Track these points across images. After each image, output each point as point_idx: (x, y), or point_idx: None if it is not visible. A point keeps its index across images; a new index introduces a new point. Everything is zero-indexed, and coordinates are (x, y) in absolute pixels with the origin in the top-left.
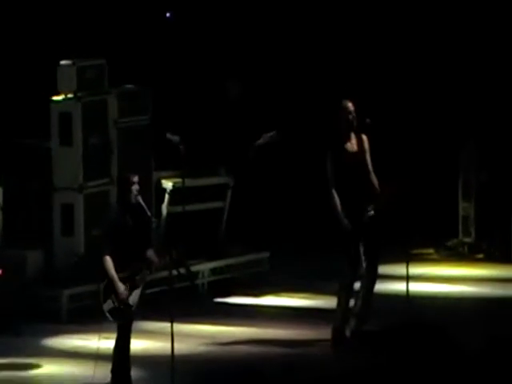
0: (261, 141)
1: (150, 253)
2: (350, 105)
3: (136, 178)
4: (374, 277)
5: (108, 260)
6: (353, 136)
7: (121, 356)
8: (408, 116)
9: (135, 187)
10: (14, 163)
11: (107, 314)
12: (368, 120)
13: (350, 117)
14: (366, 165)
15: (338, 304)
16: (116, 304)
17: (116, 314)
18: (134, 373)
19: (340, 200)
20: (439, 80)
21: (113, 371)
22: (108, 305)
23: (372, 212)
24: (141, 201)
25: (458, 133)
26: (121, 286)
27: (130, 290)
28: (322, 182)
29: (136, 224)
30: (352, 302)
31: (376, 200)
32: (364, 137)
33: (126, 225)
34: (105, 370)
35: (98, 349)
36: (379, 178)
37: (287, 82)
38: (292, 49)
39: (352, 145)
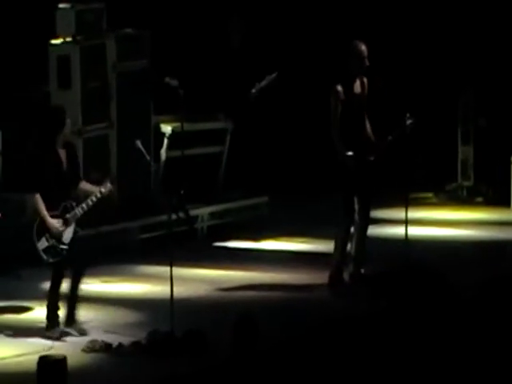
0: (263, 82)
1: (84, 185)
2: (364, 48)
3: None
4: (367, 221)
5: (38, 198)
6: (357, 78)
7: (55, 297)
8: (407, 61)
9: (68, 120)
10: (12, 107)
11: (41, 254)
12: (367, 63)
13: (365, 61)
14: (366, 108)
15: (335, 248)
16: (50, 242)
17: (51, 252)
18: (134, 316)
19: (343, 140)
20: (437, 26)
21: (48, 316)
22: (42, 243)
23: (372, 157)
24: (140, 146)
25: (456, 79)
26: (52, 222)
27: (64, 227)
28: (323, 121)
29: (69, 158)
30: (349, 247)
31: (375, 147)
32: (365, 80)
33: (58, 161)
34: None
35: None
36: (381, 122)
37: (289, 23)
38: None
39: (357, 86)
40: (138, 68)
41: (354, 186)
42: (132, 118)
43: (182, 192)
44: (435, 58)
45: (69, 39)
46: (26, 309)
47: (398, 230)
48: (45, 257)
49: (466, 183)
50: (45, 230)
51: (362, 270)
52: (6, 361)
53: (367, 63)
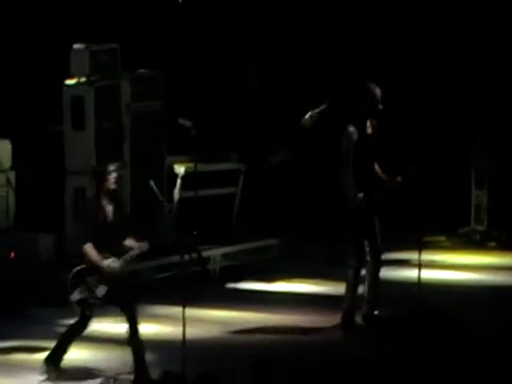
0: (315, 110)
1: (130, 242)
2: (379, 91)
3: (112, 167)
4: (379, 261)
5: (90, 246)
6: (368, 120)
7: (68, 340)
8: (419, 105)
9: (113, 176)
10: (26, 146)
11: (74, 305)
12: (380, 106)
13: (378, 104)
14: (375, 150)
15: (346, 291)
16: (84, 295)
17: (84, 305)
18: (146, 356)
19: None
20: (449, 70)
21: (52, 353)
22: (76, 296)
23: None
24: (154, 187)
25: (468, 122)
26: (106, 262)
27: (98, 283)
28: (333, 162)
29: (115, 212)
30: (361, 289)
31: (384, 186)
32: (375, 122)
33: (103, 215)
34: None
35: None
36: (390, 165)
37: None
38: (309, 34)
39: (368, 128)
40: (152, 109)
41: (364, 227)
42: (145, 158)
43: (194, 233)
44: (447, 102)
45: (83, 80)
46: (39, 349)
47: (411, 273)
48: (77, 308)
49: (479, 227)
50: (80, 282)
51: (376, 312)
52: None
53: (380, 106)
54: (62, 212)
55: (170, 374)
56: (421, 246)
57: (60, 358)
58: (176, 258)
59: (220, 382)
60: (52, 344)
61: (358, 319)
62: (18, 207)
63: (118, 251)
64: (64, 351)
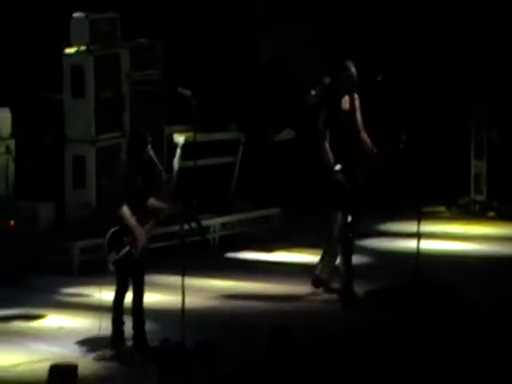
0: (281, 135)
1: (153, 201)
2: (354, 69)
3: (150, 138)
4: (349, 239)
5: (125, 209)
6: (345, 95)
7: (118, 309)
8: (418, 75)
9: (149, 146)
10: (26, 115)
11: (111, 266)
12: (380, 77)
13: (354, 81)
14: (357, 123)
15: (342, 262)
16: (120, 255)
17: (120, 265)
18: (145, 325)
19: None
20: (449, 39)
21: (113, 323)
22: (113, 256)
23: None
24: (153, 156)
25: (468, 92)
26: (142, 233)
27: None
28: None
29: (146, 180)
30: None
31: (371, 158)
32: (356, 95)
33: (136, 181)
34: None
35: (100, 301)
36: (389, 135)
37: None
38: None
39: (345, 102)
40: (152, 78)
41: (345, 200)
42: (145, 127)
43: (194, 202)
44: (446, 72)
45: (83, 48)
46: (38, 316)
47: (410, 244)
48: (113, 269)
49: (478, 198)
50: (119, 242)
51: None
52: (19, 368)
53: (356, 83)
54: (62, 180)
55: (169, 342)
56: (420, 217)
57: (121, 333)
58: (175, 228)
59: (218, 350)
60: (51, 312)
61: (357, 290)
62: (17, 175)
63: (149, 212)
64: (121, 322)
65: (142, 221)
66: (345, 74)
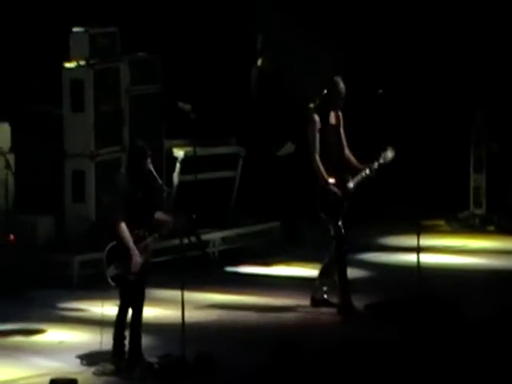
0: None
1: (159, 215)
2: (343, 86)
3: (150, 152)
4: (341, 249)
5: (123, 227)
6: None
7: (121, 324)
8: (418, 88)
9: (148, 160)
10: (26, 129)
11: (109, 280)
12: (380, 90)
13: (342, 98)
14: (342, 138)
15: (338, 275)
16: (119, 271)
17: (119, 280)
18: (145, 340)
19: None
20: (448, 51)
21: (115, 338)
22: (111, 271)
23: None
24: (152, 170)
25: (468, 104)
26: (137, 255)
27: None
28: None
29: (146, 194)
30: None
31: (358, 172)
32: (340, 113)
33: (136, 195)
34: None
35: (102, 315)
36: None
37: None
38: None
39: (332, 118)
40: (151, 92)
41: (337, 211)
42: (144, 141)
43: (193, 216)
44: (446, 85)
45: (82, 63)
46: (38, 331)
47: (410, 258)
48: (112, 284)
49: (478, 211)
50: (115, 258)
51: (325, 296)
52: (17, 383)
53: (343, 99)
54: (61, 194)
55: (169, 356)
56: (419, 231)
57: (123, 348)
58: (175, 242)
59: (218, 364)
60: (50, 326)
61: (355, 302)
62: (17, 190)
63: (151, 226)
64: (123, 337)
65: (140, 237)
66: (333, 89)
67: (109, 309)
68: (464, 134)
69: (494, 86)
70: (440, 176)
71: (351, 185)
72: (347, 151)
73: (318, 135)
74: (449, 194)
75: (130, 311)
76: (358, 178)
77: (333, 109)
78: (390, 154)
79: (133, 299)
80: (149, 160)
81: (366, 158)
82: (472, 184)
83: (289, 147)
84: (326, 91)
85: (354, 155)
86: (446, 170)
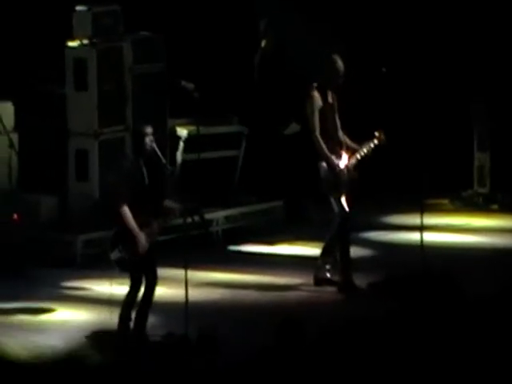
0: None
1: (168, 202)
2: (340, 64)
3: (149, 129)
4: (344, 227)
5: (126, 210)
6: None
7: (129, 305)
8: (421, 67)
9: (149, 138)
10: (29, 108)
11: (114, 264)
12: (384, 69)
13: (338, 75)
14: (336, 118)
15: (340, 253)
16: (123, 254)
17: (123, 264)
18: (148, 318)
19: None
20: (448, 32)
21: (121, 318)
22: (115, 254)
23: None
24: (156, 149)
25: (469, 84)
26: (143, 238)
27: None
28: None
29: (151, 175)
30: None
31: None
32: (335, 94)
33: (141, 176)
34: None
35: (110, 294)
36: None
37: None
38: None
39: (329, 97)
40: (154, 71)
41: (342, 188)
42: (148, 120)
43: (194, 195)
44: (448, 65)
45: (86, 42)
46: (41, 309)
47: (413, 236)
48: (117, 267)
49: (481, 190)
50: (120, 241)
51: (328, 275)
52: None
53: (342, 77)
54: (65, 173)
55: (172, 335)
56: (423, 209)
57: (128, 328)
58: (178, 221)
59: (220, 342)
60: (53, 305)
61: (358, 281)
62: (20, 169)
63: (158, 212)
64: (129, 317)
65: (146, 222)
66: (331, 67)
67: (116, 288)
68: (466, 113)
69: (492, 70)
70: (444, 155)
71: (353, 161)
72: (341, 132)
73: (317, 113)
74: (452, 173)
75: (142, 292)
76: (357, 155)
77: (331, 87)
78: (292, 128)
79: (142, 281)
80: (152, 139)
81: (364, 137)
82: (476, 163)
83: (294, 127)
84: (324, 69)
85: (349, 135)
86: (449, 149)
